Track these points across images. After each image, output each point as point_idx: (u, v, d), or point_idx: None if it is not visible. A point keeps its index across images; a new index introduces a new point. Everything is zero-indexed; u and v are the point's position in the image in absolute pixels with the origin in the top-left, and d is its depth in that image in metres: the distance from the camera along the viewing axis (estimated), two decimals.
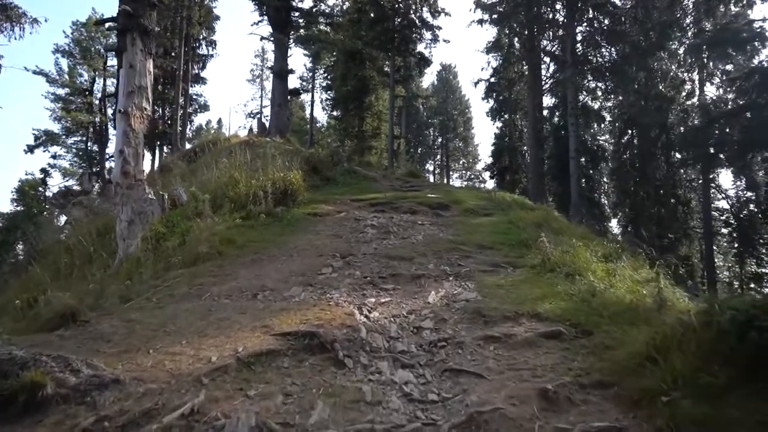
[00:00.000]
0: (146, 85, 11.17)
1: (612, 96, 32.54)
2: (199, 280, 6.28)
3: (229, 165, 12.28)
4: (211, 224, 9.57)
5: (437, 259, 7.58)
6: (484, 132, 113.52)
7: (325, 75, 45.43)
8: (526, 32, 31.42)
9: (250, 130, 28.25)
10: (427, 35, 32.61)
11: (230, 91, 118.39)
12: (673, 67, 31.32)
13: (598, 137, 39.24)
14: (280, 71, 26.70)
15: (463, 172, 58.42)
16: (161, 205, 10.91)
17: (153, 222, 10.47)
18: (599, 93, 32.28)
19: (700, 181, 30.93)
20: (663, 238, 33.04)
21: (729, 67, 28.29)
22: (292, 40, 26.99)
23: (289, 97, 28.04)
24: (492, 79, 34.31)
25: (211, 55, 37.74)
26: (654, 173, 33.31)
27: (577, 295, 5.72)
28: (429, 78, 58.42)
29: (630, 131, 35.79)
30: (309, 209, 11.22)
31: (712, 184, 29.70)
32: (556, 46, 32.53)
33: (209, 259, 7.26)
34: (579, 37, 29.04)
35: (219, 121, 56.75)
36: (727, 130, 23.88)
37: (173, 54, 35.33)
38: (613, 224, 43.06)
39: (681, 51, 30.34)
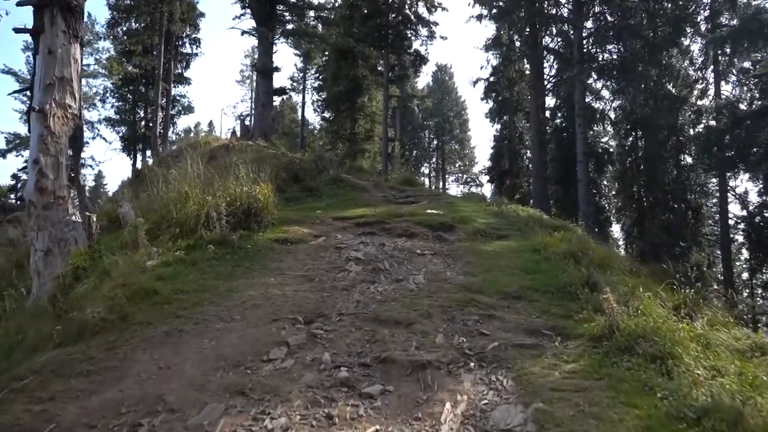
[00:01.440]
0: (71, 76, 8.57)
1: (619, 96, 30.05)
2: (54, 386, 3.69)
3: (179, 176, 9.66)
4: (141, 259, 7.03)
5: (448, 322, 5.05)
6: (481, 134, 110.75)
7: (317, 75, 42.92)
8: (528, 28, 28.96)
9: (233, 132, 25.65)
10: (423, 31, 30.16)
11: (221, 93, 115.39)
12: (685, 64, 28.87)
13: (599, 139, 36.74)
14: (264, 68, 24.11)
15: (460, 175, 55.96)
16: (87, 229, 8.33)
17: (74, 252, 7.93)
18: (606, 93, 29.82)
19: (715, 186, 28.52)
20: (673, 246, 30.69)
21: (746, 64, 25.96)
22: (277, 36, 24.42)
23: (274, 97, 25.47)
24: (491, 79, 31.80)
25: (196, 54, 35.17)
26: (663, 177, 30.88)
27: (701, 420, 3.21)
28: (424, 79, 56.00)
29: (636, 133, 33.38)
30: (278, 233, 8.67)
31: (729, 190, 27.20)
32: (559, 43, 30.14)
33: (103, 329, 4.70)
34: (584, 34, 26.62)
35: (210, 124, 54.08)
36: (754, 132, 21.40)
37: (154, 52, 32.76)
38: (615, 230, 40.81)
39: (694, 48, 27.96)
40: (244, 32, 23.53)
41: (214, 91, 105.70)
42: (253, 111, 51.77)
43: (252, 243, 7.96)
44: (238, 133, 25.50)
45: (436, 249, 8.26)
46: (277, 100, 72.67)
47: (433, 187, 51.69)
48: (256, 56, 25.11)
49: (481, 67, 38.99)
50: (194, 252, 7.39)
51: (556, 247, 8.23)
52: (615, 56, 26.73)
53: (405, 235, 9.11)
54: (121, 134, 33.99)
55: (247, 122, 25.51)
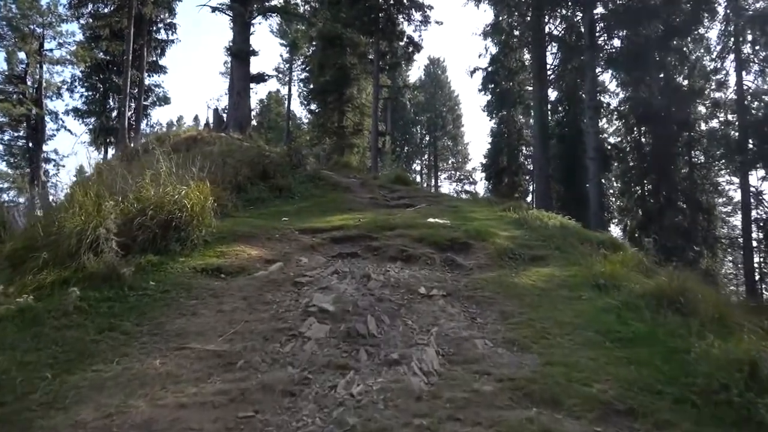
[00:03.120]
0: None
1: (627, 88, 27.21)
2: None
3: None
4: None
5: None
6: (475, 130, 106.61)
7: (304, 66, 39.73)
8: (531, 13, 25.98)
9: (206, 123, 22.51)
10: (417, 16, 26.97)
11: (208, 85, 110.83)
12: (700, 53, 26.04)
13: (600, 135, 33.82)
14: (239, 52, 20.97)
15: (453, 172, 52.93)
16: None
17: None
18: (615, 84, 27.00)
19: (730, 185, 25.82)
20: (685, 250, 27.96)
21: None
22: (254, 14, 21.27)
23: (252, 85, 22.34)
24: (490, 68, 28.82)
25: (172, 41, 31.77)
26: (673, 176, 28.08)
27: None
28: (416, 73, 52.97)
29: (642, 128, 30.55)
30: (210, 258, 5.63)
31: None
32: (563, 29, 27.19)
33: None
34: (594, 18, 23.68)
35: (196, 118, 50.52)
36: None
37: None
38: (615, 231, 37.93)
39: (711, 35, 25.14)
40: (214, 9, 20.35)
41: (201, 82, 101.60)
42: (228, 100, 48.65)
43: (159, 277, 4.93)
44: (212, 124, 22.39)
45: (449, 285, 5.26)
46: (263, 93, 68.83)
47: (427, 186, 48.75)
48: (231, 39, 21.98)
49: (480, 56, 35.86)
50: (52, 296, 4.37)
51: (629, 281, 5.30)
52: (626, 43, 23.82)
53: (400, 258, 6.11)
54: (91, 126, 30.77)
55: (221, 112, 22.34)
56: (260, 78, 22.97)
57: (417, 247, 6.44)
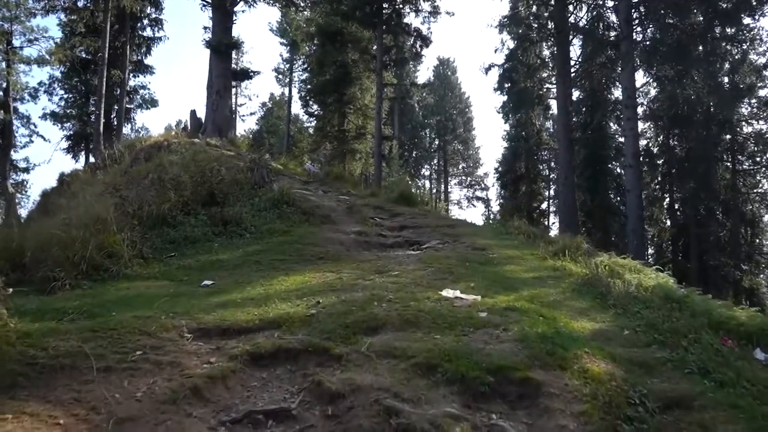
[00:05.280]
0: None
1: (663, 85, 23.35)
2: None
3: None
4: None
5: None
6: (487, 134, 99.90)
7: (305, 67, 36.18)
8: (553, 0, 22.24)
9: (185, 127, 19.04)
10: (425, 6, 23.36)
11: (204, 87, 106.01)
12: (746, 45, 22.13)
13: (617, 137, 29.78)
14: (219, 44, 17.49)
15: (463, 177, 49.06)
16: None
17: None
18: (644, 80, 23.20)
19: None
20: (725, 266, 24.08)
21: None
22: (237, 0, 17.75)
23: (234, 83, 18.86)
24: (507, 65, 25.08)
25: (159, 38, 28.35)
26: (713, 183, 24.19)
27: None
28: (425, 74, 49.34)
29: (674, 130, 26.66)
30: None
31: None
32: (590, 20, 23.39)
33: None
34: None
35: (179, 123, 46.97)
36: None
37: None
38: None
39: (763, 23, 21.22)
40: None
41: (196, 85, 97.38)
42: (241, 108, 45.11)
43: None
44: (189, 128, 18.92)
45: None
46: (263, 96, 64.95)
47: (436, 194, 44.99)
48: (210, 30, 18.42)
49: (495, 51, 32.00)
50: None
51: None
52: (668, 33, 20.01)
53: None
54: (72, 132, 27.43)
55: (200, 114, 18.86)
56: (245, 75, 19.56)
57: (421, 394, 2.84)
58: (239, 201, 8.12)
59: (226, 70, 17.89)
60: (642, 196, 19.45)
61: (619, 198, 28.58)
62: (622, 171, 29.07)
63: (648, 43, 19.63)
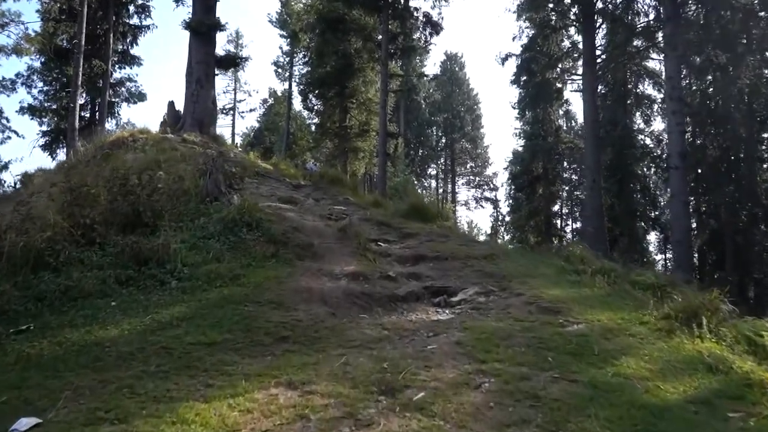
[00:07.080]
0: None
1: (704, 76, 20.52)
2: None
3: None
4: None
5: None
6: (496, 132, 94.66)
7: (306, 60, 33.38)
8: None
9: (163, 122, 16.32)
10: None
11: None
12: None
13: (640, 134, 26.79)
14: (200, 25, 14.77)
15: (471, 177, 46.15)
16: None
17: None
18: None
19: None
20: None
21: None
22: None
23: (217, 71, 16.17)
24: (526, 55, 22.28)
25: (147, 27, 25.62)
26: (754, 186, 21.32)
27: None
28: (431, 69, 46.32)
29: (708, 128, 23.71)
30: None
31: None
32: (618, 4, 20.53)
33: None
34: None
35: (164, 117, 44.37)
36: None
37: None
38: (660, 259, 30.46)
39: None
40: None
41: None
42: (240, 104, 42.23)
43: None
44: (168, 121, 16.20)
45: None
46: (263, 93, 62.44)
47: (448, 200, 42.11)
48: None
49: (513, 38, 29.05)
50: None
51: None
52: (715, 16, 17.17)
53: None
54: (50, 127, 24.87)
55: (179, 106, 16.16)
56: (231, 62, 16.82)
57: None
58: (182, 222, 5.40)
59: (208, 55, 15.16)
60: (689, 203, 16.63)
61: (643, 201, 25.84)
62: (652, 172, 26.45)
63: (702, 22, 16.69)
